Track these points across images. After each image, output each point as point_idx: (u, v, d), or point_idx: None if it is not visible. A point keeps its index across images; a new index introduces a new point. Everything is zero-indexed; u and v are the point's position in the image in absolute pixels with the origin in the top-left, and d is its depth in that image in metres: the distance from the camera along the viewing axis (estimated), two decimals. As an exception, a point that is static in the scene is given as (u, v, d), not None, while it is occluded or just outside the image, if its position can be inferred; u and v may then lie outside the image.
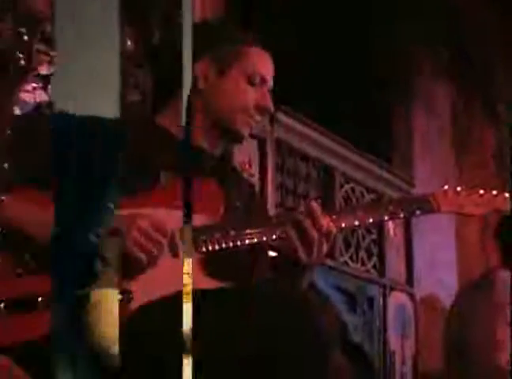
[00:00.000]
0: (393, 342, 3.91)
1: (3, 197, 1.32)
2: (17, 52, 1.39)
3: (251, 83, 2.00)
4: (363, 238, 3.85)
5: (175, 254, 1.79)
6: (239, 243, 1.83)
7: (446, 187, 2.08)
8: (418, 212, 2.03)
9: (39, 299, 1.68)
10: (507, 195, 2.13)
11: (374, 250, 3.92)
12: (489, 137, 5.49)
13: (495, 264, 3.61)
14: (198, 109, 2.00)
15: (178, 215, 1.80)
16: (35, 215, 1.72)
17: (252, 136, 3.12)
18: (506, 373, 2.95)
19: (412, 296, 4.14)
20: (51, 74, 1.76)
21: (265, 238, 1.86)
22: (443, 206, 2.05)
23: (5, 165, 1.34)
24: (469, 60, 5.32)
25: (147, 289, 1.73)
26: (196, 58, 2.00)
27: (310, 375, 1.62)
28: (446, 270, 4.72)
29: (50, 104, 2.59)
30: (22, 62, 1.39)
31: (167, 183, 1.90)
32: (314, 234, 1.84)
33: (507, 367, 2.94)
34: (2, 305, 1.63)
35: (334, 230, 1.87)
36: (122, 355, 1.63)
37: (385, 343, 3.84)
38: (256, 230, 1.86)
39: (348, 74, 4.53)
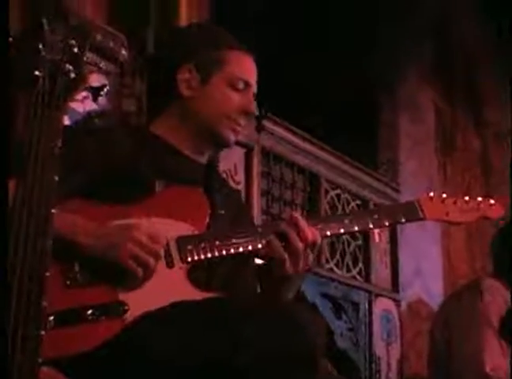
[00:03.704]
0: (379, 348, 3.91)
1: (54, 210, 1.30)
2: (67, 65, 1.37)
3: (235, 88, 1.98)
4: (349, 244, 3.85)
5: (170, 265, 1.77)
6: (224, 252, 1.81)
7: (431, 194, 2.06)
8: (403, 220, 2.02)
9: (89, 312, 1.66)
10: (493, 201, 2.12)
11: (360, 256, 3.92)
12: (474, 142, 5.51)
13: (481, 270, 3.61)
14: (183, 117, 2.00)
15: (173, 223, 1.80)
16: (85, 225, 1.71)
17: (238, 143, 3.12)
18: (491, 379, 2.95)
19: (397, 302, 4.14)
20: (102, 86, 1.74)
21: (250, 248, 1.84)
22: (429, 214, 2.03)
23: (56, 178, 1.32)
24: (454, 65, 5.35)
25: (142, 300, 1.70)
26: (177, 65, 1.99)
27: None
28: (431, 276, 4.72)
29: (99, 113, 2.57)
30: (72, 75, 1.37)
31: (162, 191, 1.88)
32: (300, 245, 1.82)
33: (492, 374, 2.94)
34: (51, 318, 1.59)
35: (319, 240, 1.86)
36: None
37: (370, 348, 3.84)
38: (242, 240, 1.84)
39: (333, 81, 4.54)
